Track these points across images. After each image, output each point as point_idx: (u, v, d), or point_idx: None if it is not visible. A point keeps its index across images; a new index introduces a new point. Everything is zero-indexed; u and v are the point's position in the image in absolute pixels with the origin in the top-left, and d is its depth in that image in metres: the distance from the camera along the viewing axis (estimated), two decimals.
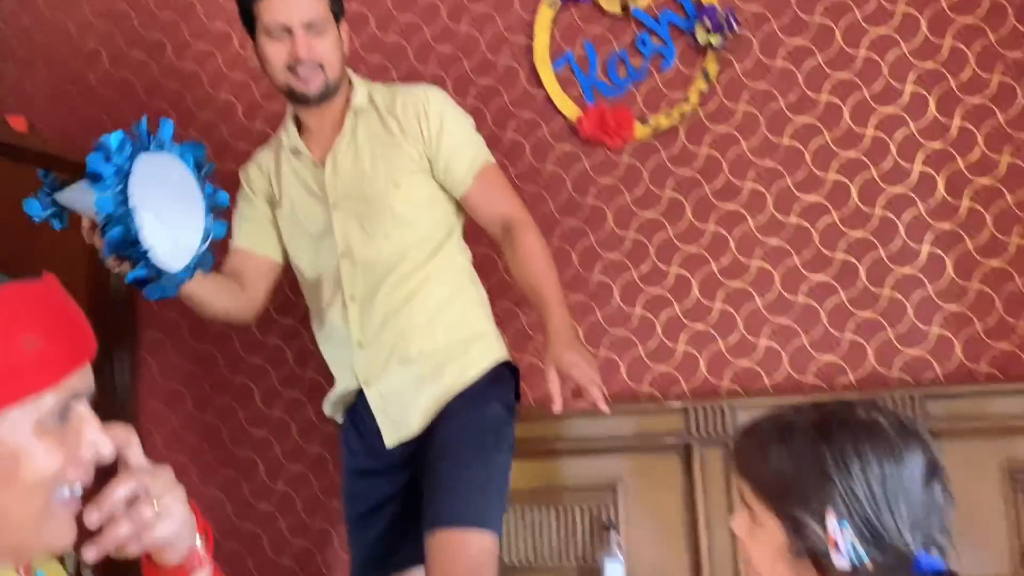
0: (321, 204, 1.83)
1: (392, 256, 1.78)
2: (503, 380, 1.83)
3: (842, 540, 0.95)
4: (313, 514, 2.45)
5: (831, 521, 0.95)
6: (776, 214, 2.26)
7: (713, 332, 2.28)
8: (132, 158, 1.33)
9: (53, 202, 1.49)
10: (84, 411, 0.81)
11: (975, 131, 2.19)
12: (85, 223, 1.49)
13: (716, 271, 2.28)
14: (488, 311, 1.90)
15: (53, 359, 0.78)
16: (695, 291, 2.29)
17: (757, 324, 2.26)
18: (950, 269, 2.18)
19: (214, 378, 2.53)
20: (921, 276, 2.19)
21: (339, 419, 1.92)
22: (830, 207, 2.24)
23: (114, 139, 1.32)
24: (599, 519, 2.18)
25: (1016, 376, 2.11)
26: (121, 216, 1.32)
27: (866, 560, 0.94)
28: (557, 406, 1.64)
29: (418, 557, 1.79)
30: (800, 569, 0.98)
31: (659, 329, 2.30)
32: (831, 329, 2.22)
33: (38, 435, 0.77)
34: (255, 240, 1.91)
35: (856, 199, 2.23)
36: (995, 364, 2.14)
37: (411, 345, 1.77)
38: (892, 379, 2.16)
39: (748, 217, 2.27)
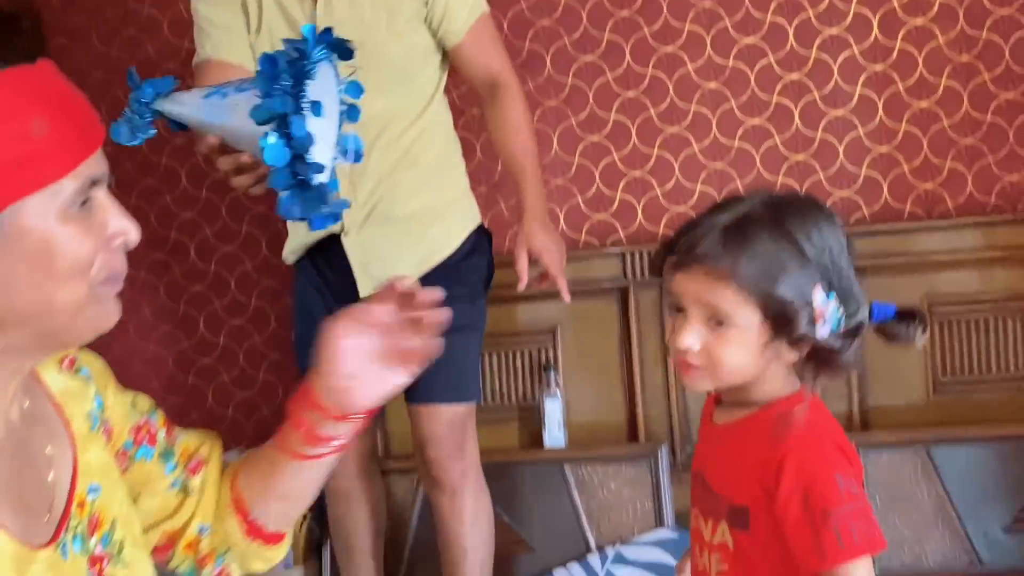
0: None
1: (386, 113, 1.70)
2: (483, 249, 1.84)
3: (830, 311, 0.99)
4: (256, 367, 2.47)
5: (819, 295, 0.99)
6: (714, 56, 2.26)
7: (650, 178, 2.30)
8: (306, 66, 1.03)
9: (154, 114, 1.11)
10: (104, 198, 0.79)
11: None
12: (207, 143, 1.14)
13: (655, 116, 2.29)
14: (465, 170, 1.89)
15: (66, 144, 0.75)
16: (633, 138, 2.30)
17: (694, 170, 2.29)
18: (881, 111, 2.22)
19: (145, 234, 2.46)
20: (853, 118, 2.23)
21: (290, 261, 1.87)
22: (767, 49, 2.24)
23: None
24: (539, 361, 2.25)
25: (939, 214, 2.21)
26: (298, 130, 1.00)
27: (843, 321, 1.01)
28: (522, 285, 1.71)
29: None
30: (771, 350, 1.01)
31: (597, 177, 2.32)
32: (764, 172, 2.26)
33: (63, 222, 0.74)
34: (232, 50, 1.68)
35: (793, 41, 2.23)
36: (919, 203, 2.23)
37: (396, 204, 1.74)
38: None
39: (687, 60, 2.26)
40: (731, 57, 2.25)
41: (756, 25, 2.24)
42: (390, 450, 2.17)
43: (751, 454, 1.02)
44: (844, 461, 1.00)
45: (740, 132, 2.27)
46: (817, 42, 2.23)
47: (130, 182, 2.42)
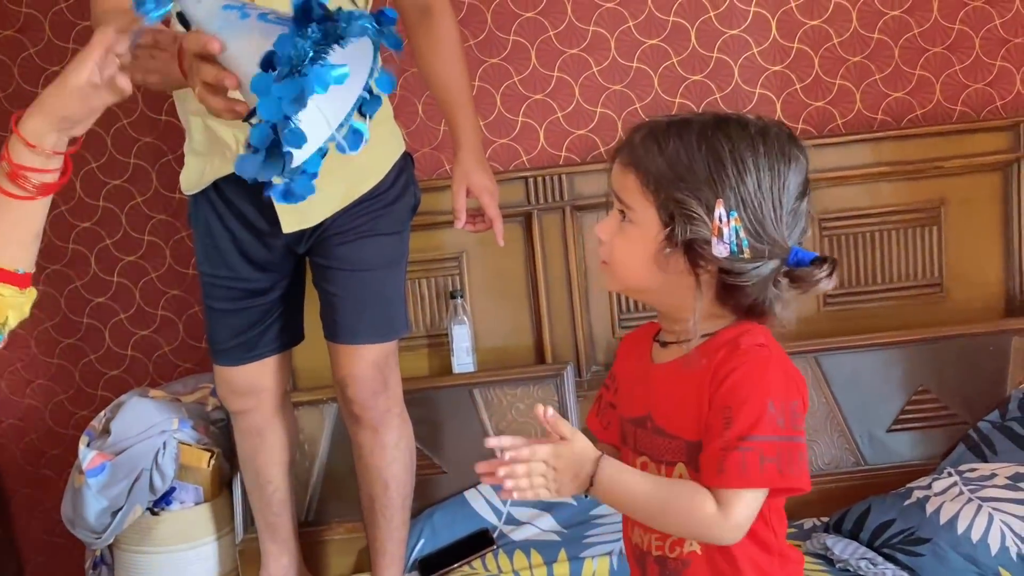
0: None
1: None
2: (409, 177, 1.78)
3: (727, 228, 0.97)
4: (154, 305, 2.39)
5: (719, 210, 0.97)
6: None
7: (551, 102, 2.29)
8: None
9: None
10: None
11: None
12: (200, 43, 0.97)
13: (553, 38, 2.26)
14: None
15: None
16: (533, 60, 2.28)
17: (593, 92, 2.29)
18: (774, 30, 2.25)
19: None
20: (747, 37, 2.26)
21: (192, 192, 1.73)
22: None
23: None
24: (446, 289, 2.25)
25: (830, 131, 2.28)
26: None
27: (746, 247, 0.98)
28: (460, 223, 1.70)
29: (283, 345, 1.82)
30: (669, 261, 1.00)
31: (498, 101, 2.29)
32: (662, 94, 2.28)
33: None
34: None
35: None
36: (810, 121, 2.29)
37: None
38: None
39: None
40: None
41: None
42: (297, 384, 2.15)
43: (700, 385, 1.00)
44: (786, 388, 0.99)
45: (638, 53, 2.27)
46: None
47: None
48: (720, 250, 0.98)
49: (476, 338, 2.26)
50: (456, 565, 1.88)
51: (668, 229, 0.99)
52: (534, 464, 1.01)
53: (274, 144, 0.93)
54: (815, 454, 2.09)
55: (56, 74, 1.01)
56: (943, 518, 1.77)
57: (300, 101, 0.90)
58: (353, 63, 0.98)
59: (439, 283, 2.27)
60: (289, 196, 1.02)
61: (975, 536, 1.73)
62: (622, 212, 1.04)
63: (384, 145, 1.72)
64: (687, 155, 0.99)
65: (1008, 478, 1.88)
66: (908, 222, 2.24)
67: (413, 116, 2.27)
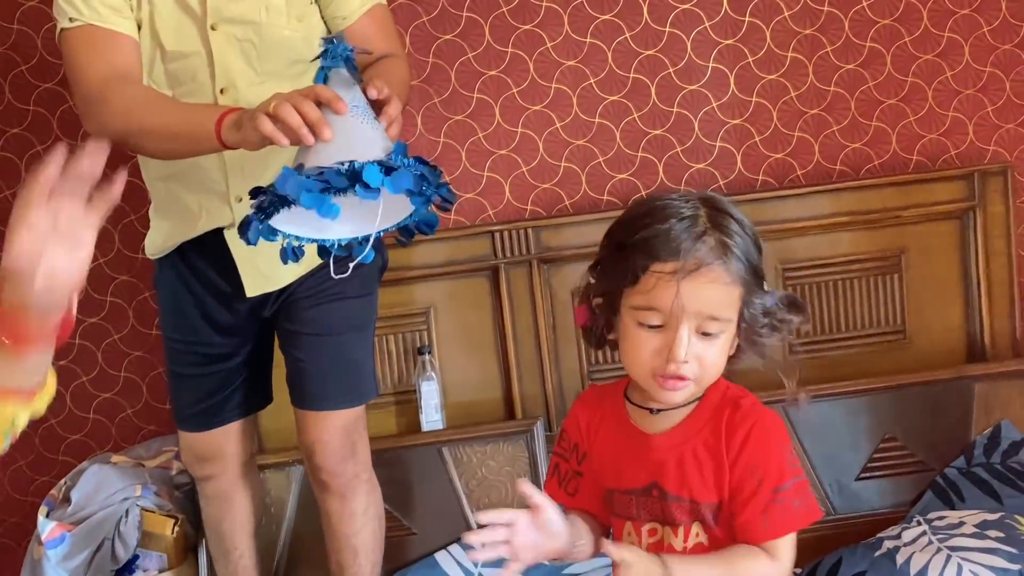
0: (193, 21, 1.53)
1: None
2: (377, 239, 1.72)
3: (772, 298, 1.06)
4: (117, 367, 2.36)
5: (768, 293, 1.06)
6: (572, 34, 2.27)
7: (516, 156, 2.31)
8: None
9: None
10: None
11: None
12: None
13: (517, 95, 2.29)
14: None
15: None
16: (497, 116, 2.30)
17: (557, 147, 2.31)
18: (732, 84, 2.30)
19: None
20: (706, 92, 2.30)
21: (157, 256, 1.71)
22: (623, 26, 2.27)
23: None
24: (414, 345, 2.24)
25: (790, 183, 2.31)
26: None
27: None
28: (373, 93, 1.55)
29: (248, 410, 1.80)
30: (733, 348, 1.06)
31: (463, 156, 2.31)
32: (624, 148, 2.31)
33: None
34: (120, 22, 1.50)
35: (647, 16, 2.27)
36: (770, 172, 2.33)
37: None
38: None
39: (546, 39, 2.27)
40: (588, 35, 2.27)
41: (611, 2, 2.26)
42: (264, 446, 2.12)
43: (711, 446, 1.05)
44: (784, 433, 1.07)
45: (600, 109, 2.30)
46: (670, 18, 2.27)
47: None
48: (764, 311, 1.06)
49: (445, 393, 2.25)
50: None
51: (742, 324, 1.04)
52: None
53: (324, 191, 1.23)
54: None
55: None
56: (913, 569, 1.77)
57: (321, 205, 1.20)
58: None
59: (407, 339, 2.26)
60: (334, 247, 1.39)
61: None
62: (705, 332, 1.02)
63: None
64: (749, 250, 1.03)
65: (976, 526, 1.89)
66: (869, 271, 2.28)
67: None
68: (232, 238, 1.62)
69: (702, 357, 1.01)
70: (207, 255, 1.66)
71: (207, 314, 1.70)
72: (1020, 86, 2.33)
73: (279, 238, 1.32)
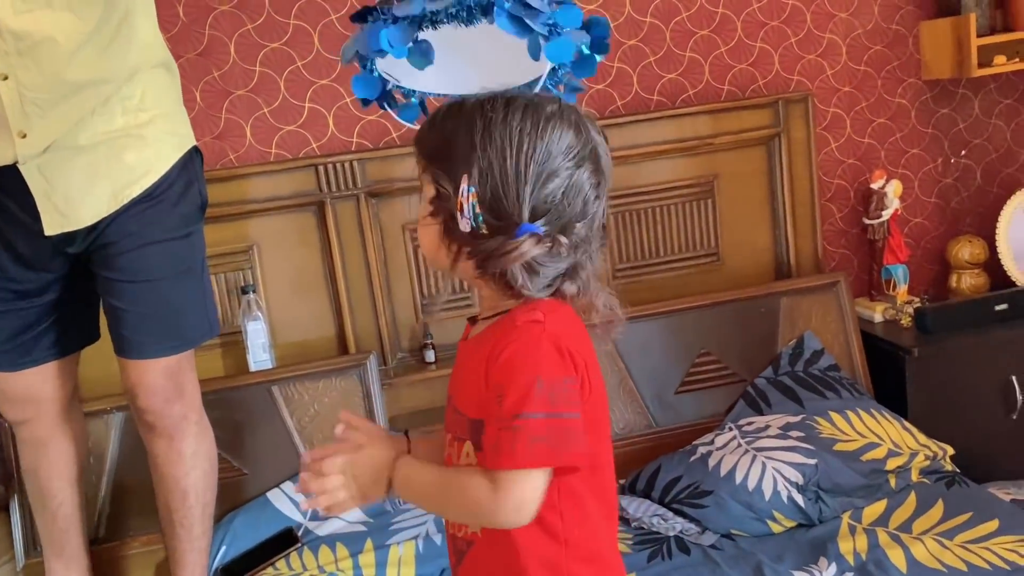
0: None
1: (54, 30, 1.42)
2: (194, 174, 1.65)
3: (467, 203, 0.97)
4: None
5: (463, 185, 0.97)
6: None
7: (338, 87, 2.25)
8: None
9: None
10: None
11: None
12: None
13: (335, 21, 2.22)
14: (176, 85, 1.64)
15: None
16: (316, 43, 2.22)
17: None
18: (628, 5, 2.34)
19: None
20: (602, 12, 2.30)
21: None
22: None
23: None
24: (237, 284, 2.17)
25: (611, 113, 2.37)
26: None
27: (481, 222, 0.97)
28: None
29: (64, 351, 1.69)
30: (445, 241, 1.01)
31: (282, 87, 2.23)
32: None
33: None
34: None
35: None
36: (591, 104, 2.38)
37: (81, 132, 1.50)
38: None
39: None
40: None
41: None
42: (82, 394, 2.01)
43: (483, 363, 0.98)
44: (559, 365, 0.95)
45: None
46: None
47: None
48: (463, 224, 0.97)
49: (274, 334, 2.20)
50: (259, 568, 1.83)
51: (433, 206, 1.00)
52: (332, 479, 1.02)
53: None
54: (611, 420, 2.19)
55: None
56: (723, 470, 1.91)
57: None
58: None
59: (229, 279, 2.18)
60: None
61: (751, 484, 1.87)
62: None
63: (159, 143, 1.59)
64: (451, 134, 0.98)
65: (779, 428, 2.04)
66: (685, 197, 2.38)
67: (191, 104, 2.16)
68: (29, 173, 1.51)
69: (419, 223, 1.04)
70: (6, 188, 1.54)
71: (11, 248, 1.59)
72: (819, 18, 2.47)
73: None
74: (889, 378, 2.31)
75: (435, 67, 1.07)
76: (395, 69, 1.11)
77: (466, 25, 1.01)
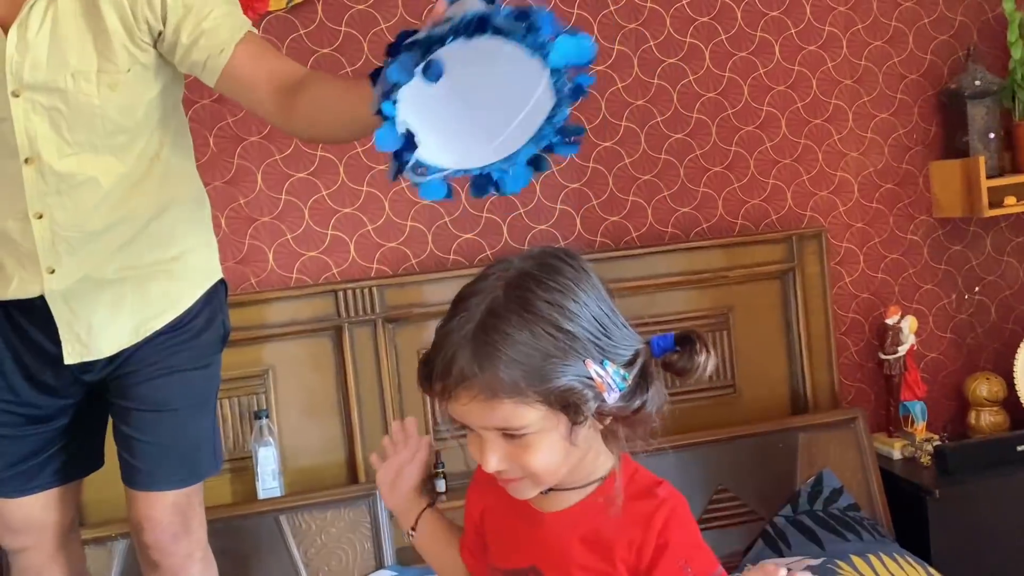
0: None
1: (97, 171, 1.45)
2: (218, 305, 1.65)
3: (610, 379, 0.92)
4: None
5: (593, 369, 0.91)
6: None
7: (360, 215, 2.31)
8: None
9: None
10: None
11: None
12: None
13: (361, 153, 2.29)
14: (206, 218, 1.65)
15: None
16: (341, 174, 2.29)
17: (404, 206, 2.32)
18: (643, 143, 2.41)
19: None
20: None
21: None
22: None
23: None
24: (251, 409, 2.17)
25: (626, 244, 2.41)
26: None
27: (628, 379, 0.94)
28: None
29: (69, 476, 1.67)
30: (578, 435, 0.94)
31: (307, 214, 2.28)
32: (469, 208, 2.35)
33: None
34: None
35: None
36: (607, 235, 2.42)
37: (109, 265, 1.52)
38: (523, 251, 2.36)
39: None
40: None
41: None
42: (84, 519, 1.98)
43: (611, 537, 0.95)
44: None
45: None
46: None
47: None
48: (613, 398, 0.92)
49: (284, 459, 2.18)
50: None
51: (567, 415, 0.92)
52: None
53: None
54: None
55: None
56: None
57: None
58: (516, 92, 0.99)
59: (243, 402, 2.18)
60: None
61: None
62: (510, 435, 0.94)
63: (186, 277, 1.60)
64: (530, 348, 0.90)
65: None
66: (700, 327, 2.38)
67: (215, 229, 2.21)
68: (54, 302, 1.53)
69: (520, 460, 0.93)
70: (31, 316, 1.56)
71: (29, 374, 1.59)
72: (831, 157, 2.53)
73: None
74: (910, 518, 2.25)
75: (440, 136, 1.04)
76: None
77: (468, 38, 0.97)
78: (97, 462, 1.73)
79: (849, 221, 2.56)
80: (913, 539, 2.20)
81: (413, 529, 1.15)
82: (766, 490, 2.24)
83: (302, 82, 1.38)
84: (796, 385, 2.43)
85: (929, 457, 2.33)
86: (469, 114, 1.04)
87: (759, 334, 2.42)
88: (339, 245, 2.30)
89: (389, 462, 1.14)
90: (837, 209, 2.55)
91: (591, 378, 0.91)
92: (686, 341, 0.98)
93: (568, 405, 0.91)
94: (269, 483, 2.09)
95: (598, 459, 0.99)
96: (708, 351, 0.98)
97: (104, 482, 1.76)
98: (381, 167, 2.30)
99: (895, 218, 2.58)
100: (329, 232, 2.30)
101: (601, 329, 0.93)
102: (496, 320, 0.91)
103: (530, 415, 0.91)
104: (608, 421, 0.95)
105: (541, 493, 1.00)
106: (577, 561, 0.97)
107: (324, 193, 2.29)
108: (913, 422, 2.44)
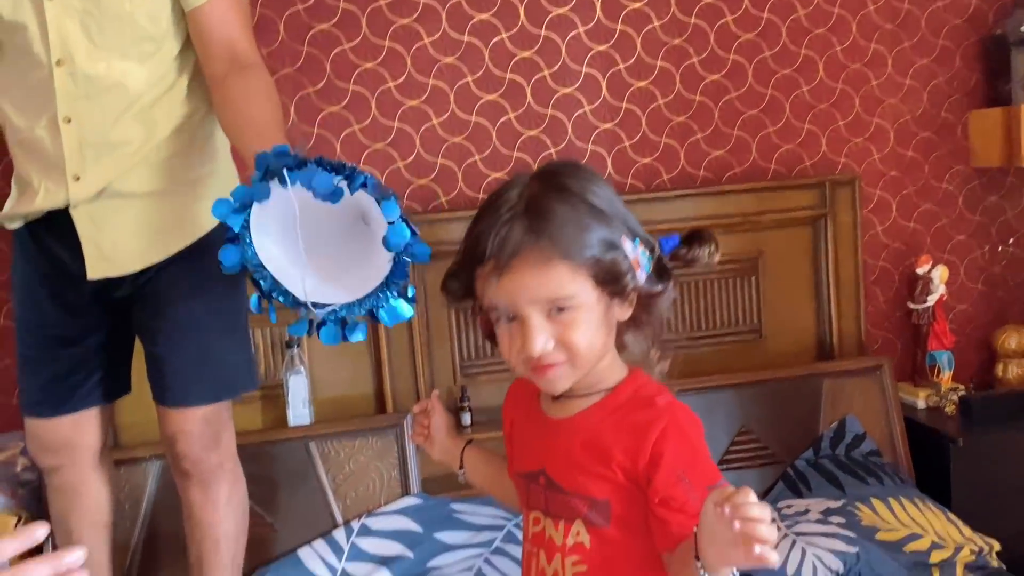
0: None
1: (124, 77, 1.50)
2: None
3: (641, 255, 0.98)
4: None
5: (627, 243, 0.97)
6: (449, 31, 2.29)
7: (392, 151, 2.31)
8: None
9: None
10: None
11: None
12: None
13: (394, 89, 2.29)
14: (228, 142, 1.66)
15: None
16: (373, 109, 2.29)
17: (434, 143, 2.32)
18: (604, 90, 2.37)
19: None
20: (579, 96, 2.36)
21: (10, 226, 1.63)
22: (500, 27, 2.31)
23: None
24: (281, 338, 2.20)
25: (657, 187, 2.40)
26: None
27: (651, 262, 1.00)
28: None
29: (101, 399, 1.71)
30: (608, 319, 0.99)
31: (338, 149, 2.29)
32: (500, 147, 2.34)
33: None
34: None
35: (524, 19, 2.31)
36: (638, 177, 2.41)
37: (133, 178, 1.55)
38: None
39: (423, 34, 2.28)
40: (466, 32, 2.30)
41: (488, 2, 2.30)
42: (119, 440, 2.03)
43: (610, 443, 0.97)
44: (703, 437, 0.99)
45: (476, 107, 2.32)
46: (545, 21, 2.32)
47: None
48: (642, 277, 0.98)
49: (314, 389, 2.21)
50: None
51: (608, 290, 0.96)
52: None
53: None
54: None
55: None
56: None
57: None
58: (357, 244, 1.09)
59: (274, 332, 2.21)
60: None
61: (790, 570, 1.82)
62: (558, 310, 0.96)
63: (213, 197, 1.60)
64: (573, 217, 0.95)
65: (820, 513, 2.00)
66: (729, 272, 2.38)
67: None
68: (78, 216, 1.56)
69: (564, 338, 0.96)
70: (55, 232, 1.59)
71: (55, 293, 1.62)
72: (868, 103, 2.49)
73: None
74: (932, 467, 2.26)
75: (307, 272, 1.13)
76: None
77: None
78: (126, 387, 1.77)
79: (883, 169, 2.52)
80: (934, 487, 2.20)
81: (461, 468, 1.23)
82: (788, 435, 2.25)
83: (245, 69, 1.51)
84: (823, 333, 2.43)
85: (954, 406, 2.33)
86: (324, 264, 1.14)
87: (787, 280, 2.41)
88: None
89: (417, 430, 1.27)
90: (872, 156, 2.51)
91: (627, 255, 0.97)
92: (692, 237, 1.04)
93: (610, 278, 0.96)
94: (300, 411, 2.13)
95: (611, 368, 1.02)
96: (712, 244, 1.03)
97: (137, 405, 1.80)
98: (412, 103, 2.29)
99: (931, 167, 2.55)
100: (361, 167, 2.30)
101: (625, 212, 1.00)
102: (539, 200, 0.96)
103: (579, 285, 0.95)
104: (634, 304, 1.00)
105: (553, 399, 1.05)
106: (579, 464, 1.00)
107: (356, 128, 2.29)
108: (939, 372, 2.43)
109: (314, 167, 1.07)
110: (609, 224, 0.96)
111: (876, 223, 2.53)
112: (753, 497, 0.80)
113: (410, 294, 1.14)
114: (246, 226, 1.11)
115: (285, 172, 1.06)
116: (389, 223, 1.09)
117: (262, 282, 1.11)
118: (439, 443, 1.25)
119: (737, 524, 0.78)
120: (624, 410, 0.99)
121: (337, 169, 1.09)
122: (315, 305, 1.12)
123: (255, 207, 1.09)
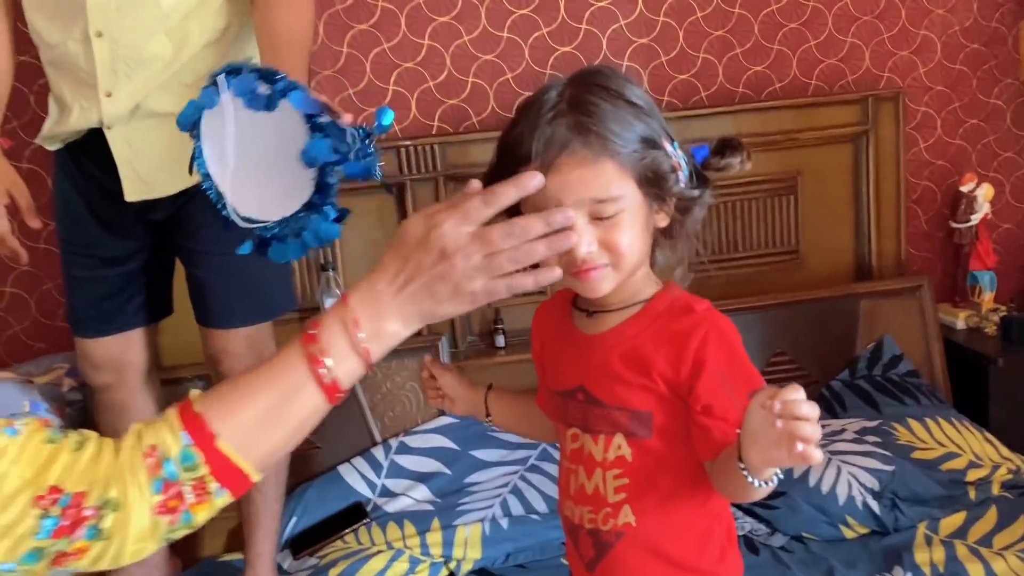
0: None
1: None
2: None
3: (681, 158, 0.97)
4: (2, 281, 2.25)
5: (667, 145, 0.96)
6: None
7: (422, 70, 2.27)
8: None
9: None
10: None
11: None
12: None
13: (423, 5, 2.23)
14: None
15: None
16: (403, 27, 2.24)
17: (465, 61, 2.27)
18: (640, 3, 2.29)
19: None
20: (615, 9, 2.29)
21: (50, 147, 1.65)
22: None
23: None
24: (317, 261, 2.21)
25: (694, 104, 2.34)
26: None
27: (689, 166, 0.99)
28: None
29: (146, 319, 1.74)
30: (649, 224, 0.98)
31: (368, 68, 2.25)
32: (533, 64, 2.29)
33: None
34: None
35: None
36: (675, 94, 2.35)
37: (166, 96, 1.54)
38: None
39: None
40: None
41: None
42: (160, 362, 2.07)
43: (650, 353, 0.96)
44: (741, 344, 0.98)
45: (508, 23, 2.26)
46: None
47: None
48: (683, 180, 0.97)
49: None
50: (328, 540, 1.86)
51: (651, 192, 0.95)
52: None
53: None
54: None
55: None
56: (796, 472, 1.87)
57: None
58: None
59: (310, 255, 2.22)
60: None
61: (825, 488, 1.83)
62: (602, 211, 0.94)
63: None
64: (617, 115, 0.93)
65: (856, 432, 2.00)
66: (767, 192, 2.34)
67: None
68: (113, 138, 1.56)
69: (608, 240, 0.94)
70: (92, 155, 1.59)
71: (97, 214, 1.64)
72: (915, 14, 2.40)
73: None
74: (970, 387, 2.24)
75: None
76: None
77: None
78: (169, 307, 1.79)
79: (929, 83, 2.44)
80: (971, 408, 2.19)
81: (488, 416, 1.19)
82: (825, 355, 2.23)
83: None
84: (861, 253, 2.39)
85: (995, 327, 2.30)
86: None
87: (827, 199, 2.36)
88: (400, 101, 2.28)
89: (431, 395, 1.22)
90: (917, 70, 2.43)
91: (668, 155, 0.96)
92: (723, 145, 1.02)
93: (654, 178, 0.95)
94: None
95: (645, 280, 1.01)
96: (744, 152, 1.01)
97: (180, 327, 1.83)
98: (442, 19, 2.24)
99: (978, 81, 2.46)
100: (391, 88, 2.27)
101: (661, 115, 0.98)
102: (581, 98, 0.94)
103: (625, 185, 0.94)
104: (670, 214, 0.99)
105: (587, 316, 1.04)
106: (618, 377, 0.99)
107: (386, 46, 2.25)
108: (980, 292, 2.39)
109: (248, 74, 1.00)
110: (650, 123, 0.95)
111: (919, 140, 2.46)
112: (802, 394, 0.78)
113: (331, 216, 1.04)
114: (196, 135, 1.06)
115: (223, 77, 1.01)
116: (311, 137, 0.98)
117: (209, 192, 1.07)
118: (459, 399, 1.20)
119: (780, 423, 0.77)
120: (663, 319, 0.98)
121: (269, 78, 1.00)
122: (251, 222, 1.07)
123: (206, 117, 1.05)
